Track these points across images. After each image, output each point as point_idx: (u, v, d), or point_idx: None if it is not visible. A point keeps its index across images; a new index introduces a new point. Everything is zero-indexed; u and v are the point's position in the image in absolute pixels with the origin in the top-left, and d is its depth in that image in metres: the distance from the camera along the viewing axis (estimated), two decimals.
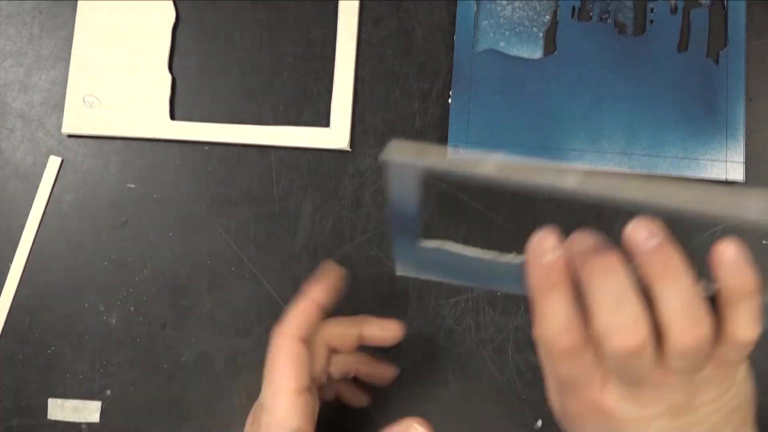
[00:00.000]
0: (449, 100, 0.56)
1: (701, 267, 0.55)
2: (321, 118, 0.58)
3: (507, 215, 0.56)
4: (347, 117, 0.57)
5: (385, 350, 0.55)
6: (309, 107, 0.58)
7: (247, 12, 0.59)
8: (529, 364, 0.54)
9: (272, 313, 0.56)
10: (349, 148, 0.57)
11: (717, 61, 0.55)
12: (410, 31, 0.58)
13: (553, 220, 0.56)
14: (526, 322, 0.55)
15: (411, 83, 0.57)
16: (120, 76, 0.58)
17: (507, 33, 0.56)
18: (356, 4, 0.58)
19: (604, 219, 0.56)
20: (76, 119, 0.58)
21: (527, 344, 0.55)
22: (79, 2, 0.60)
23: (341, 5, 0.58)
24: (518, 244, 0.36)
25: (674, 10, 0.56)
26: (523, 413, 0.54)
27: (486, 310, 0.55)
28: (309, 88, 0.58)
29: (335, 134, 0.57)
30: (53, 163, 0.58)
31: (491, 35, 0.56)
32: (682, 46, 0.56)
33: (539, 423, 0.54)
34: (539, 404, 0.54)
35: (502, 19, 0.56)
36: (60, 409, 0.56)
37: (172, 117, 0.58)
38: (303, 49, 0.58)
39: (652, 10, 0.56)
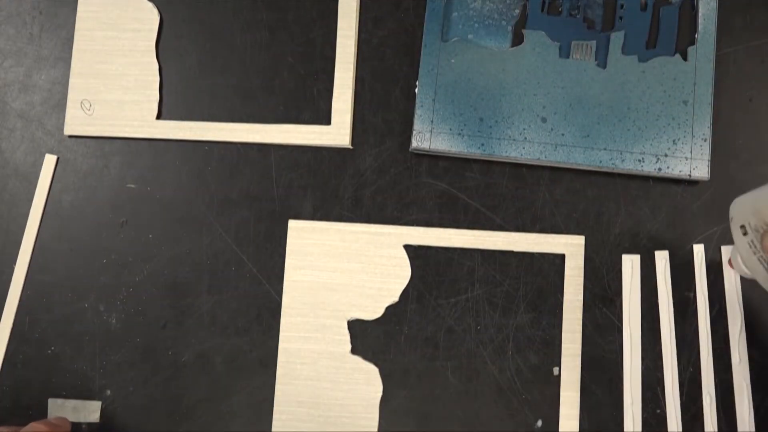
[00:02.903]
0: (416, 90, 0.57)
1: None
2: (321, 117, 0.58)
3: (507, 215, 0.56)
4: (348, 114, 0.57)
5: (385, 349, 0.55)
6: (309, 107, 0.58)
7: (247, 12, 0.59)
8: (529, 364, 0.54)
9: (272, 313, 0.56)
10: (350, 146, 0.57)
11: (686, 58, 0.55)
12: (410, 31, 0.58)
13: (553, 221, 0.56)
14: (526, 322, 0.55)
15: (411, 83, 0.57)
16: (118, 78, 0.58)
17: (476, 25, 0.56)
18: (356, 4, 0.58)
19: (604, 219, 0.56)
20: (77, 120, 0.58)
21: (527, 344, 0.55)
22: (79, 2, 0.60)
23: (341, 5, 0.58)
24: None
25: (644, 7, 0.56)
26: (523, 413, 0.54)
27: (486, 310, 0.55)
28: (309, 87, 0.58)
29: (336, 132, 0.57)
30: (49, 161, 0.58)
31: (460, 27, 0.56)
32: (651, 42, 0.56)
33: (539, 423, 0.54)
34: (539, 404, 0.54)
35: (471, 12, 0.56)
36: (60, 409, 0.56)
37: (172, 117, 0.58)
38: (303, 49, 0.58)
39: (621, 7, 0.56)
